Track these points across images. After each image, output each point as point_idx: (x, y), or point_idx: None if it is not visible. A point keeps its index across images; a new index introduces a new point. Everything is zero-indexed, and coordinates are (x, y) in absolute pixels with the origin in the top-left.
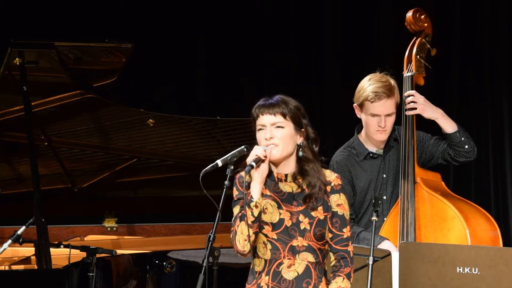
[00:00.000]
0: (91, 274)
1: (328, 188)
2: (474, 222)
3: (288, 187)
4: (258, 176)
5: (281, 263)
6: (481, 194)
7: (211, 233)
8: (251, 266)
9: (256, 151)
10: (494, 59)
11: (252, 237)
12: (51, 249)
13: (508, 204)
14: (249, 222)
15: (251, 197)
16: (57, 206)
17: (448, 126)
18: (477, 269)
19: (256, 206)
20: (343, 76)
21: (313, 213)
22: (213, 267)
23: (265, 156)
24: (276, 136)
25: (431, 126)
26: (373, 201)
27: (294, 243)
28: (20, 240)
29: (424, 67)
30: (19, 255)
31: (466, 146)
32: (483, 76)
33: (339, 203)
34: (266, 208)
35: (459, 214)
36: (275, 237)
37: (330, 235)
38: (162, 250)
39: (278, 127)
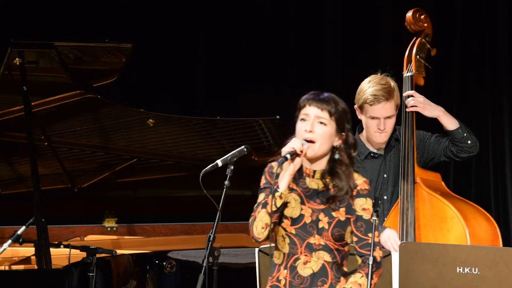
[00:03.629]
0: (91, 274)
1: (354, 192)
2: (473, 222)
3: (314, 183)
4: (290, 169)
5: (297, 259)
6: (481, 194)
7: (211, 233)
8: (273, 259)
9: (294, 144)
10: (495, 59)
11: (271, 226)
12: (51, 249)
13: (508, 204)
14: (269, 211)
15: (278, 187)
16: (57, 206)
17: (450, 123)
18: (477, 269)
19: (280, 197)
20: (343, 76)
21: (333, 213)
22: (213, 267)
23: (301, 151)
24: (316, 131)
25: (432, 125)
26: (373, 201)
27: (311, 240)
28: (20, 240)
29: (424, 67)
30: (19, 255)
31: (469, 142)
32: (483, 76)
33: (364, 207)
34: (289, 202)
35: (458, 214)
36: (293, 232)
37: (355, 239)
38: (162, 250)
39: (321, 123)
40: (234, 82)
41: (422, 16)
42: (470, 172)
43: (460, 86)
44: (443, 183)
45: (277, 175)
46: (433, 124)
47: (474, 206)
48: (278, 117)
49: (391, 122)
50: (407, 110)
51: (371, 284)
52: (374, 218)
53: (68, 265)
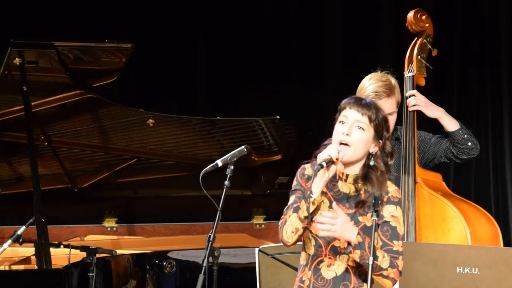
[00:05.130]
0: (91, 274)
1: (385, 198)
2: (474, 222)
3: (346, 187)
4: (325, 176)
5: (322, 261)
6: (481, 194)
7: (211, 233)
8: (300, 259)
9: (330, 151)
10: (495, 59)
11: (300, 231)
12: (51, 249)
13: (508, 204)
14: (301, 216)
15: (311, 192)
16: (57, 206)
17: (451, 124)
18: (477, 269)
19: (313, 203)
20: (343, 76)
21: (360, 218)
22: (213, 267)
23: (337, 159)
24: (353, 136)
25: (433, 126)
26: (373, 201)
27: (336, 243)
28: (20, 240)
29: (425, 68)
30: (19, 255)
31: (469, 143)
32: (483, 76)
33: (394, 214)
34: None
35: (459, 214)
36: (319, 234)
37: (380, 243)
38: (162, 250)
39: (359, 127)
40: (234, 82)
41: (424, 17)
42: (470, 172)
43: (460, 86)
44: (443, 183)
45: (310, 178)
46: (434, 125)
47: (475, 206)
48: (278, 117)
49: (392, 119)
50: (409, 109)
51: (371, 283)
52: (374, 218)
53: (68, 265)
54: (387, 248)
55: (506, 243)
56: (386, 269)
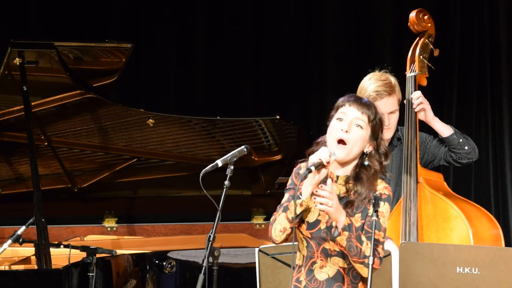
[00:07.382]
0: (91, 274)
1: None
2: (476, 222)
3: (336, 189)
4: (315, 178)
5: (314, 262)
6: (481, 194)
7: (211, 233)
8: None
9: (321, 155)
10: (495, 59)
11: (288, 231)
12: (51, 249)
13: (508, 204)
14: (289, 217)
15: (300, 194)
16: (57, 206)
17: (445, 129)
18: (477, 269)
19: (301, 205)
20: (343, 76)
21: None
22: (213, 267)
23: (328, 163)
24: (351, 133)
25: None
26: (373, 201)
27: (327, 246)
28: (20, 240)
29: (427, 68)
30: (19, 255)
31: (466, 147)
32: (483, 77)
33: (380, 210)
34: (309, 207)
35: (462, 214)
36: (309, 236)
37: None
38: (162, 250)
39: (358, 125)
40: (235, 82)
41: (426, 17)
42: (470, 172)
43: (460, 87)
44: (445, 183)
45: (303, 178)
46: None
47: (477, 206)
48: (278, 117)
49: (394, 117)
50: (415, 110)
51: (371, 283)
52: (374, 218)
53: (68, 265)
54: (368, 235)
55: (506, 243)
56: (368, 257)
